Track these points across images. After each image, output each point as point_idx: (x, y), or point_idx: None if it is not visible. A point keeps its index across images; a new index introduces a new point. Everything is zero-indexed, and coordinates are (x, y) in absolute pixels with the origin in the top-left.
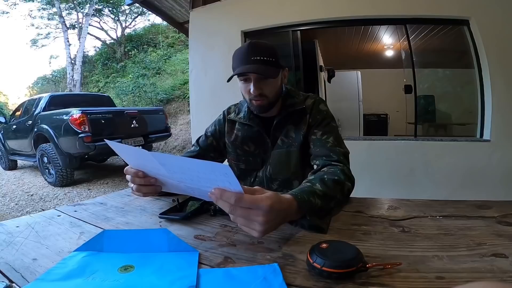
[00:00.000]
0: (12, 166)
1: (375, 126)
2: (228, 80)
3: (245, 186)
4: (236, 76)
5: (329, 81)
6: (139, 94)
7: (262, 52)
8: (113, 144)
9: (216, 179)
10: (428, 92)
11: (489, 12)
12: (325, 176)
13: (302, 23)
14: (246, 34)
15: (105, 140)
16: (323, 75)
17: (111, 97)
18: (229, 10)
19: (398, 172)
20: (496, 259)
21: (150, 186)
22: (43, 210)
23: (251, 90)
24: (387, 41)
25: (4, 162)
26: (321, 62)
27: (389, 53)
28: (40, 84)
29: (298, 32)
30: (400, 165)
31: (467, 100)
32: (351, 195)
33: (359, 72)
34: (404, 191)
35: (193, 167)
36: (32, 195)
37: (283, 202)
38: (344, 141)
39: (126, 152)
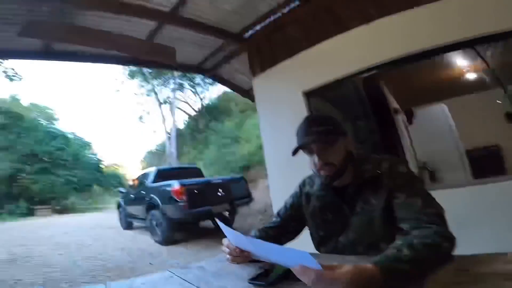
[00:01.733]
0: (128, 226)
1: (486, 162)
2: (293, 154)
3: (324, 264)
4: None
5: (410, 122)
6: (222, 163)
7: (319, 123)
8: (220, 224)
9: (297, 259)
10: None
11: None
12: (414, 240)
13: (363, 70)
14: (308, 94)
15: (216, 220)
16: (401, 118)
17: (200, 168)
18: (287, 72)
19: None
20: None
21: (243, 257)
22: (151, 263)
23: (316, 160)
24: (463, 64)
25: (123, 223)
26: (394, 104)
27: (471, 75)
28: (148, 158)
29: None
30: None
31: None
32: (456, 253)
33: (444, 105)
34: None
35: (278, 250)
36: (142, 250)
37: (362, 273)
38: (444, 190)
39: (227, 230)
